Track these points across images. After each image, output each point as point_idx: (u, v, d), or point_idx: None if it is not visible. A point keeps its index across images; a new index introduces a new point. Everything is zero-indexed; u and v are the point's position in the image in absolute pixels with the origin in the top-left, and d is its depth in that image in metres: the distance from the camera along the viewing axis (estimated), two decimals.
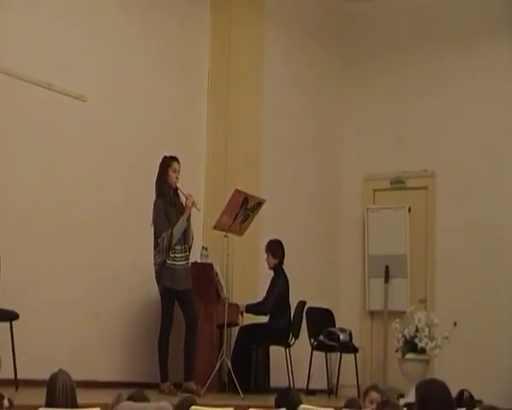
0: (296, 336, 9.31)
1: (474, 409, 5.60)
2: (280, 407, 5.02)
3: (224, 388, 8.47)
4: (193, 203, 7.91)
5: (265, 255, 9.35)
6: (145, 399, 4.58)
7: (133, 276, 8.60)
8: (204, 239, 9.31)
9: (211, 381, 8.01)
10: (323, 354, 9.87)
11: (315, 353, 9.71)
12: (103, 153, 8.51)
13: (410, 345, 9.42)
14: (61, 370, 4.37)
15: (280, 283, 9.22)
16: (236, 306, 9.01)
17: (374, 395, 6.28)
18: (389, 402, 5.95)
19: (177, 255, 7.86)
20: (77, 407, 4.31)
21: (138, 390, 4.76)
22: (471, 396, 7.92)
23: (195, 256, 8.71)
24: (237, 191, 8.34)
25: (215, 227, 8.42)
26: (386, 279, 10.92)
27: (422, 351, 9.38)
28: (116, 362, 8.43)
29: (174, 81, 9.50)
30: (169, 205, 7.93)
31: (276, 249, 9.32)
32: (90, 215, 8.26)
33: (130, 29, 8.98)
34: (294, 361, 9.28)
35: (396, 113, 11.39)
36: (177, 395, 7.24)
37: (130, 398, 4.53)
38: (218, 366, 8.15)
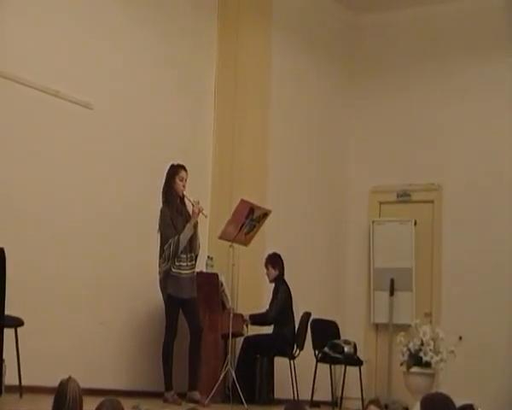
0: (301, 348, 9.28)
1: None
2: None
3: (228, 398, 8.43)
4: (200, 210, 7.88)
5: (265, 270, 9.35)
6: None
7: (138, 284, 8.58)
8: (209, 249, 9.30)
9: (215, 391, 7.98)
10: (328, 365, 9.83)
11: (319, 365, 9.67)
12: (109, 160, 8.51)
13: (415, 359, 9.37)
14: (71, 377, 4.32)
15: (282, 290, 9.21)
16: (241, 316, 8.99)
17: (372, 408, 6.23)
18: None
19: (183, 264, 7.82)
20: None
21: (114, 400, 4.55)
22: None
23: (201, 266, 8.69)
24: (243, 201, 8.31)
25: (220, 237, 8.40)
26: (392, 292, 10.90)
27: (427, 365, 9.33)
28: (120, 371, 8.40)
29: (181, 90, 9.51)
30: (175, 213, 7.88)
31: (275, 261, 9.34)
32: (94, 222, 8.25)
33: (138, 39, 8.98)
34: (299, 373, 9.24)
35: (403, 126, 11.40)
36: (181, 405, 7.22)
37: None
38: (222, 376, 8.13)
